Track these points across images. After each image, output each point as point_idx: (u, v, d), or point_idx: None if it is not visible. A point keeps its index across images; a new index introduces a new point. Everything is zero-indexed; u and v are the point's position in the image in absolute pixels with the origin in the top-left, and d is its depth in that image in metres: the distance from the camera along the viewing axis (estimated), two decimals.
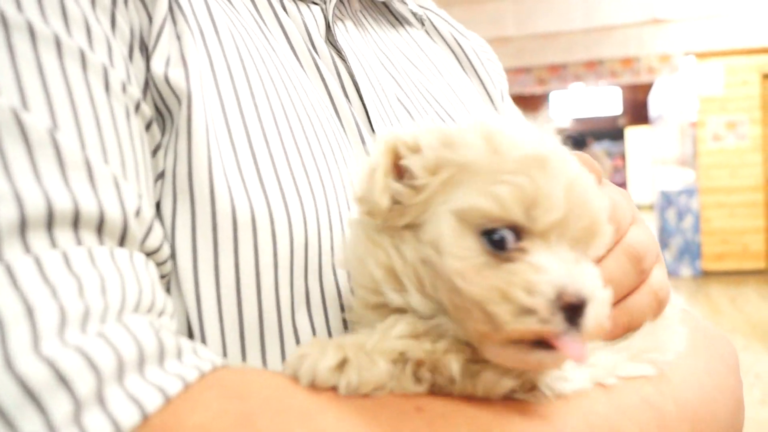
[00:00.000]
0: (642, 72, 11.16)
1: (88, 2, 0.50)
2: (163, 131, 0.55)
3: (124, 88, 0.50)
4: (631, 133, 19.72)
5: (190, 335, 0.53)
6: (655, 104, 13.05)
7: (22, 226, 0.39)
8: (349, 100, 0.69)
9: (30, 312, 0.36)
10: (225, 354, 0.53)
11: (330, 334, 0.58)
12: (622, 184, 20.08)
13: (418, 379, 0.46)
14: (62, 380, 0.35)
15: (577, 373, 0.51)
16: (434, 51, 0.90)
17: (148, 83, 0.54)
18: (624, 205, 0.58)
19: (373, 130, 0.68)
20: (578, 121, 20.74)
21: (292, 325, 0.56)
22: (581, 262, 0.46)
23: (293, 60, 0.67)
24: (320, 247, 0.57)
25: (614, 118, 20.14)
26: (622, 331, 0.56)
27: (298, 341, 0.57)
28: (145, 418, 0.37)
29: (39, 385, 0.34)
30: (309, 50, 0.68)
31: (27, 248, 0.39)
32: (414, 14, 0.91)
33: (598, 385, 0.51)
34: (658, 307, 0.59)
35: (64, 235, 0.41)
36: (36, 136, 0.42)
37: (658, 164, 12.13)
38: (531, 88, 13.00)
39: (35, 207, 0.40)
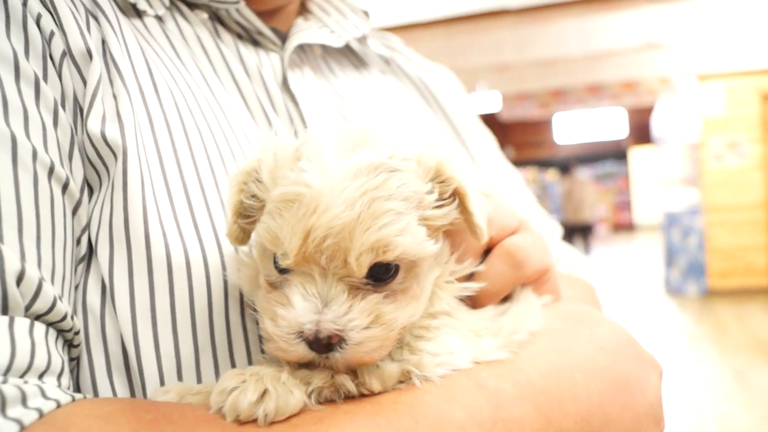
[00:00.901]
0: (643, 94, 11.24)
1: (11, 78, 0.54)
2: (101, 183, 0.59)
3: (35, 156, 0.53)
4: (636, 153, 19.72)
5: (128, 371, 0.56)
6: (658, 125, 13.10)
7: None
8: None
9: None
10: (162, 382, 0.56)
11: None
12: (628, 205, 20.03)
13: (320, 401, 0.50)
14: None
15: (457, 357, 0.53)
16: (399, 92, 0.92)
17: (77, 142, 0.58)
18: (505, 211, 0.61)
19: None
20: (582, 144, 20.74)
21: (228, 355, 0.59)
22: (337, 300, 0.48)
23: (242, 109, 0.70)
24: None
25: (618, 140, 20.15)
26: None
27: (234, 366, 0.59)
28: None
29: None
30: (259, 100, 0.71)
31: None
32: (379, 56, 0.94)
33: (429, 377, 0.52)
34: (515, 266, 0.60)
35: None
36: None
37: (663, 184, 12.14)
38: (534, 113, 13.08)
39: None
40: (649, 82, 10.99)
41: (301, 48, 0.80)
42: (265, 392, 0.47)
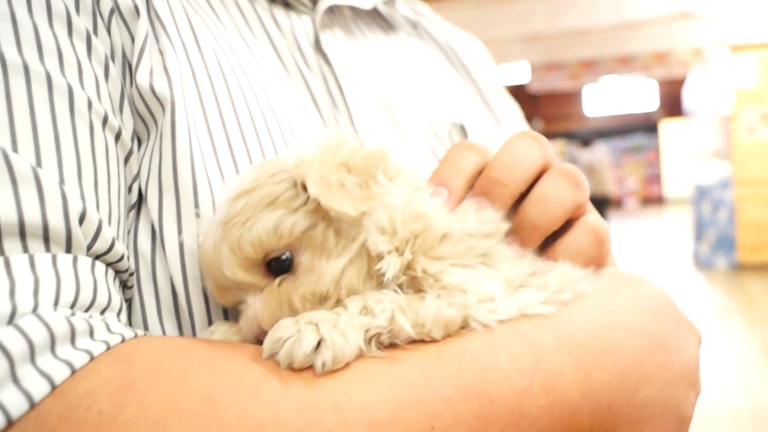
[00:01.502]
0: (674, 65, 11.10)
1: (65, 32, 0.56)
2: (148, 134, 0.61)
3: (90, 106, 0.55)
4: (666, 126, 19.50)
5: (177, 312, 0.59)
6: (689, 98, 12.95)
7: None
8: (334, 102, 0.74)
9: None
10: (210, 323, 0.59)
11: None
12: (657, 178, 19.85)
13: (380, 347, 0.50)
14: None
15: (506, 303, 0.54)
16: (426, 55, 0.94)
17: (126, 95, 0.60)
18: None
19: (356, 130, 0.73)
20: (612, 116, 20.56)
21: None
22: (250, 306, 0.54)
23: (279, 67, 0.73)
24: None
25: (649, 112, 19.95)
26: (532, 231, 0.59)
27: None
28: (54, 388, 0.44)
29: None
30: (295, 58, 0.74)
31: None
32: (407, 19, 0.95)
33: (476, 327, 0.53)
34: (599, 245, 0.62)
35: (11, 244, 0.47)
36: None
37: (694, 157, 12.03)
38: (563, 84, 12.97)
39: None
40: (680, 53, 10.85)
41: (331, 10, 0.81)
42: (321, 341, 0.48)
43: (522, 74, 11.46)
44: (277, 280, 0.53)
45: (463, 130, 0.84)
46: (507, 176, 0.58)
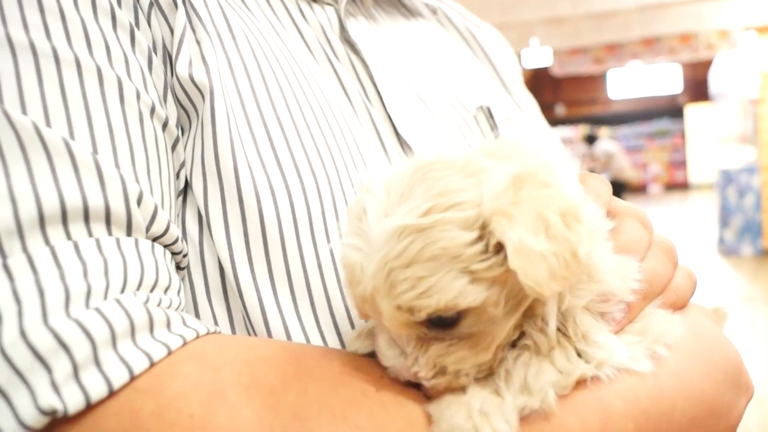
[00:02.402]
0: (701, 48, 10.96)
1: (110, 25, 0.59)
2: (190, 123, 0.64)
3: (138, 97, 0.58)
4: (691, 110, 19.31)
5: (225, 294, 0.62)
6: (715, 81, 12.79)
7: (41, 222, 0.48)
8: (363, 88, 0.76)
9: (41, 293, 0.45)
10: (260, 299, 0.60)
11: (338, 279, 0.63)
12: (682, 163, 19.70)
13: None
14: (63, 346, 0.44)
15: (625, 357, 0.56)
16: (447, 40, 0.96)
17: (169, 85, 0.63)
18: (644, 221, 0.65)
19: (388, 115, 0.75)
20: (637, 99, 20.40)
21: (320, 280, 0.63)
22: (407, 348, 0.51)
23: (308, 56, 0.75)
24: (335, 213, 0.64)
25: (674, 96, 19.77)
26: (671, 307, 0.63)
27: (326, 293, 0.63)
28: (133, 377, 0.45)
29: (46, 350, 0.43)
30: (323, 47, 0.76)
31: (46, 241, 0.48)
32: (426, 5, 0.97)
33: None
34: (693, 285, 0.67)
35: (76, 228, 0.49)
36: (53, 146, 0.50)
37: (719, 142, 11.92)
38: (588, 68, 12.85)
39: (51, 205, 0.48)
40: (707, 36, 10.70)
41: (353, 0, 0.84)
42: None
43: (545, 58, 11.36)
44: (448, 339, 0.51)
45: (489, 113, 0.85)
46: (649, 291, 0.59)
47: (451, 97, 0.85)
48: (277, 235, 0.61)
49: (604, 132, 18.64)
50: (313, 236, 0.63)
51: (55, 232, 0.49)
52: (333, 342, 0.62)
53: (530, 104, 1.05)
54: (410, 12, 0.95)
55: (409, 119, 0.76)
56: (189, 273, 0.62)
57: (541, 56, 11.03)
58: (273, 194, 0.62)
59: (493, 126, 0.85)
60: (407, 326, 0.49)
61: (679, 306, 0.64)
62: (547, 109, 20.03)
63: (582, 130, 17.87)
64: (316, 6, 0.79)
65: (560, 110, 20.19)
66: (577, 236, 0.47)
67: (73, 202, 0.50)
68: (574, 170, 0.61)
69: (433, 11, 0.99)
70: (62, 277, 0.47)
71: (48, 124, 0.51)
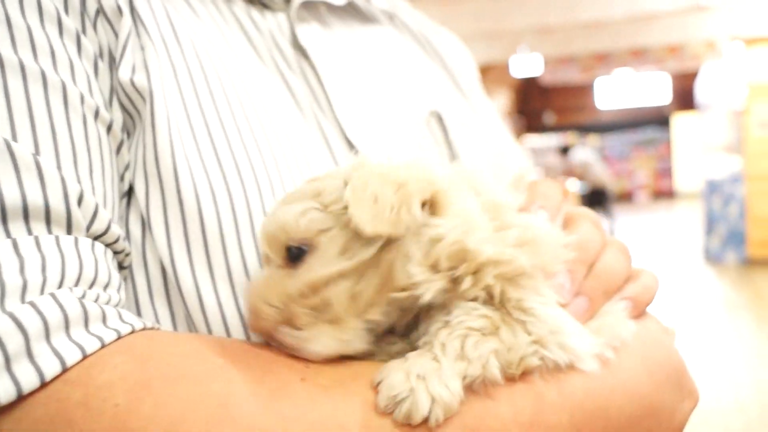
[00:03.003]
0: (687, 59, 11.05)
1: (56, 32, 0.60)
2: (134, 127, 0.65)
3: (82, 100, 0.59)
4: (678, 120, 19.40)
5: (167, 293, 0.63)
6: (702, 91, 12.88)
7: None
8: (314, 94, 0.76)
9: None
10: (200, 298, 0.61)
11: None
12: (669, 172, 19.77)
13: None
14: None
15: (578, 340, 0.57)
16: (402, 45, 0.96)
17: (114, 90, 0.64)
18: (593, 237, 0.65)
19: (336, 118, 0.75)
20: (624, 109, 20.48)
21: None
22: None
23: (257, 63, 0.75)
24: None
25: (661, 106, 19.85)
26: (644, 305, 0.66)
27: None
28: (65, 369, 0.46)
29: None
30: (272, 55, 0.77)
31: None
32: (383, 11, 0.97)
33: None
34: (658, 284, 0.68)
35: (16, 226, 0.50)
36: None
37: (706, 151, 11.99)
38: (576, 76, 12.93)
39: None
40: (693, 46, 10.79)
41: (306, 6, 0.83)
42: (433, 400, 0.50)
43: (535, 67, 11.42)
44: (286, 268, 0.56)
45: (439, 118, 0.86)
46: (584, 259, 0.62)
47: (403, 102, 0.85)
48: (217, 234, 0.62)
49: (592, 140, 18.72)
50: (255, 235, 0.64)
51: None
52: None
53: (488, 108, 1.05)
54: (366, 18, 0.95)
55: (359, 124, 0.76)
56: (132, 272, 0.63)
57: (531, 64, 11.08)
58: (213, 194, 0.63)
59: (444, 130, 0.85)
60: (272, 250, 0.56)
61: (648, 304, 0.67)
62: (536, 117, 20.06)
63: (570, 137, 17.94)
64: (267, 12, 0.80)
65: (549, 118, 20.24)
66: (413, 198, 0.53)
67: (13, 201, 0.51)
68: (519, 173, 0.66)
69: (390, 17, 0.99)
70: None
71: None
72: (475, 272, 0.54)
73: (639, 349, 0.63)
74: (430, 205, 0.55)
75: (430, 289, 0.54)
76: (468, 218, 0.55)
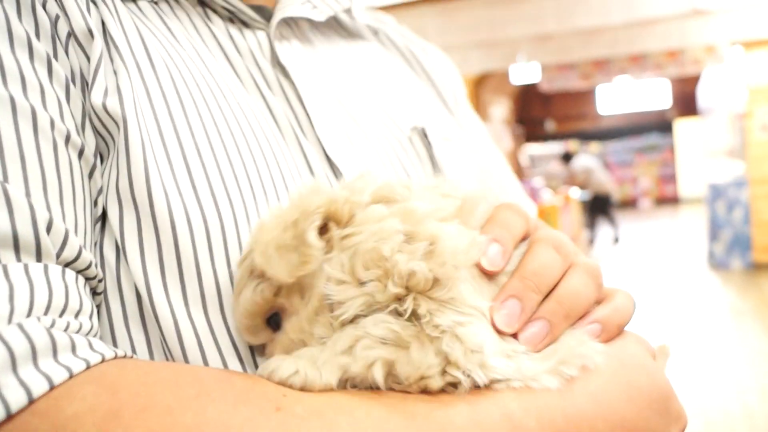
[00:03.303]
0: (687, 64, 11.04)
1: (26, 57, 0.60)
2: (108, 151, 0.64)
3: (53, 126, 0.59)
4: (681, 125, 19.40)
5: (143, 319, 0.63)
6: (703, 96, 12.86)
7: None
8: (294, 112, 0.76)
9: None
10: (175, 323, 0.61)
11: None
12: (672, 177, 19.77)
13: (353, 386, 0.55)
14: None
15: (501, 361, 0.55)
16: (387, 60, 0.96)
17: (87, 114, 0.64)
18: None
19: (317, 137, 0.75)
20: (626, 115, 20.50)
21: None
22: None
23: (236, 83, 0.75)
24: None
25: (663, 111, 19.86)
26: (616, 329, 0.63)
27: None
28: (31, 401, 0.46)
29: None
30: (251, 74, 0.76)
31: None
32: (368, 27, 0.98)
33: (468, 393, 0.54)
34: (634, 306, 0.66)
35: None
36: None
37: (708, 156, 11.97)
38: (576, 83, 12.93)
39: None
40: (694, 51, 10.78)
41: (287, 23, 0.83)
42: (296, 371, 0.54)
43: (533, 74, 11.41)
44: (275, 335, 0.60)
45: (423, 134, 0.86)
46: (537, 285, 0.60)
47: (386, 118, 0.85)
48: (192, 260, 0.62)
49: (593, 147, 18.72)
50: (228, 261, 0.63)
51: None
52: (250, 363, 0.63)
53: (474, 124, 1.06)
54: (350, 33, 0.95)
55: (340, 142, 0.76)
56: (106, 298, 0.63)
57: (529, 72, 11.07)
58: (189, 221, 0.62)
59: (428, 146, 0.85)
60: (255, 335, 0.61)
61: (622, 327, 0.65)
62: (537, 125, 20.11)
63: (572, 145, 17.94)
64: (246, 31, 0.79)
65: (550, 126, 20.26)
66: (305, 232, 0.54)
67: None
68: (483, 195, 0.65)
69: (375, 32, 0.99)
70: None
71: None
72: (386, 281, 0.54)
73: (619, 373, 0.61)
74: (340, 222, 0.56)
75: (351, 306, 0.55)
76: (379, 226, 0.55)
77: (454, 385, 0.54)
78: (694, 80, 15.62)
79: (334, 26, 0.93)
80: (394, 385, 0.54)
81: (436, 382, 0.53)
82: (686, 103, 18.71)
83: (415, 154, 0.84)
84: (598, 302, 0.64)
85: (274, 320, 0.60)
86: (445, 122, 0.93)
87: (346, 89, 0.84)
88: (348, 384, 0.54)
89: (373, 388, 0.54)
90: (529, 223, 0.64)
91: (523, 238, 0.64)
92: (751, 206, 9.37)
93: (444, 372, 0.53)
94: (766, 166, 9.31)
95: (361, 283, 0.54)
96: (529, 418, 0.54)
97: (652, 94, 19.74)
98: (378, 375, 0.53)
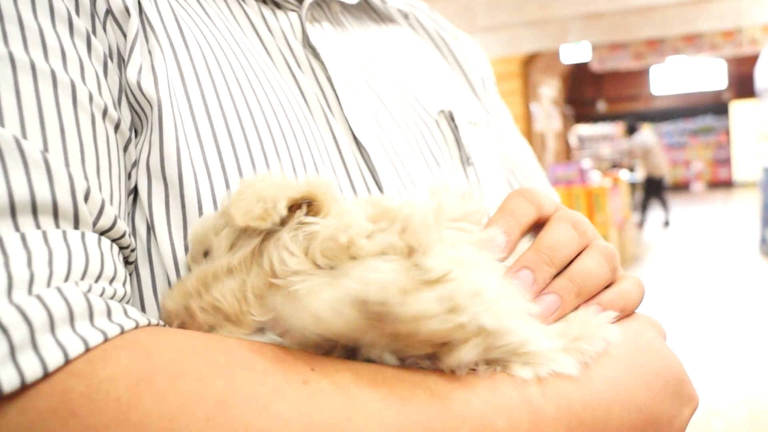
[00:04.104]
0: (744, 44, 10.76)
1: (67, 33, 0.62)
2: (142, 126, 0.66)
3: (91, 99, 0.61)
4: (736, 107, 18.95)
5: (170, 287, 0.64)
6: (761, 77, 12.53)
7: None
8: (323, 93, 0.78)
9: None
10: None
11: None
12: (726, 161, 19.36)
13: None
14: (2, 329, 0.45)
15: (546, 341, 0.56)
16: (417, 44, 0.98)
17: (123, 90, 0.66)
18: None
19: (345, 118, 0.77)
20: (680, 96, 20.09)
21: None
22: None
23: (268, 63, 0.77)
24: None
25: (718, 92, 19.42)
26: (620, 313, 0.63)
27: None
28: (68, 361, 0.47)
29: None
30: (283, 54, 0.78)
31: None
32: (399, 11, 1.00)
33: (487, 374, 0.54)
34: (641, 293, 0.67)
35: (24, 220, 0.52)
36: (5, 144, 0.53)
37: (764, 139, 11.68)
38: (628, 64, 12.70)
39: (1, 199, 0.51)
40: (750, 31, 10.49)
41: (319, 5, 0.86)
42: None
43: (584, 53, 11.23)
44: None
45: (450, 117, 0.87)
46: (551, 258, 0.61)
47: (414, 101, 0.87)
48: None
49: (646, 128, 18.43)
50: None
51: (3, 224, 0.51)
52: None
53: (501, 111, 1.08)
54: (381, 17, 0.97)
55: (367, 124, 0.78)
56: (137, 268, 0.65)
57: (579, 52, 10.90)
58: (214, 201, 0.65)
59: (454, 129, 0.87)
60: (195, 261, 0.61)
61: (627, 312, 0.65)
62: (588, 105, 19.84)
63: (623, 127, 17.67)
64: (279, 12, 0.81)
65: (601, 106, 19.97)
66: (278, 200, 0.56)
67: (22, 196, 0.52)
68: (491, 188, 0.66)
69: (405, 16, 1.01)
70: (6, 264, 0.49)
71: (1, 124, 0.54)
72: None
73: (635, 358, 0.63)
74: (310, 208, 0.57)
75: (305, 281, 0.54)
76: (345, 218, 0.56)
77: (463, 341, 0.52)
78: (751, 61, 15.23)
79: (366, 9, 0.95)
80: (413, 357, 0.54)
81: (439, 324, 0.50)
82: (743, 84, 18.27)
83: (442, 137, 0.86)
84: (610, 286, 0.65)
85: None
86: (472, 108, 0.95)
87: (374, 72, 0.86)
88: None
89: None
90: (543, 208, 0.65)
91: (539, 223, 0.64)
92: None
93: (447, 318, 0.50)
94: None
95: (318, 267, 0.54)
96: (548, 403, 0.55)
97: (708, 75, 19.30)
98: (374, 295, 0.50)
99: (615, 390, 0.59)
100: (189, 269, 0.62)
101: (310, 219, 0.57)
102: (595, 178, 9.69)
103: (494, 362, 0.55)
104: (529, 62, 12.73)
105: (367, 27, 0.93)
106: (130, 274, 0.65)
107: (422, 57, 0.96)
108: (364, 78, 0.84)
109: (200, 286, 0.58)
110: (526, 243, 0.63)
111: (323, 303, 0.50)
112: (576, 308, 0.62)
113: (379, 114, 0.82)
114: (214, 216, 0.61)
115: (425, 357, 0.54)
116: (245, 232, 0.58)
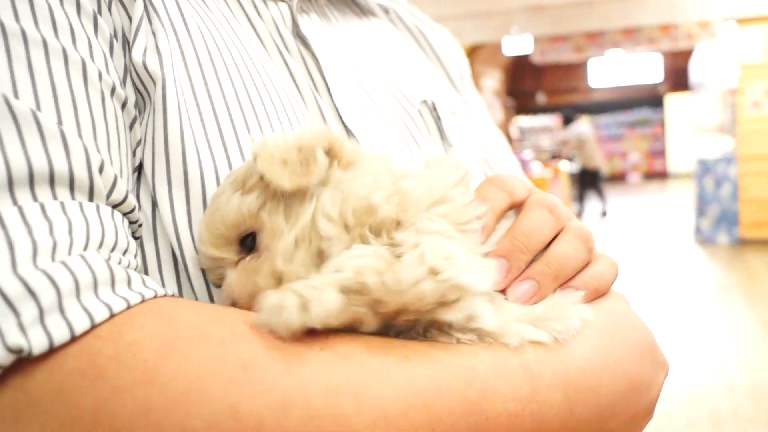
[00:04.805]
0: (681, 38, 11.01)
1: (75, 12, 0.63)
2: (144, 106, 0.68)
3: (100, 77, 0.62)
4: (672, 100, 19.41)
5: (175, 262, 0.66)
6: (695, 71, 12.85)
7: (10, 184, 0.51)
8: (313, 80, 0.80)
9: (11, 245, 0.49)
10: (204, 277, 0.66)
11: None
12: (662, 153, 19.80)
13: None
14: (31, 293, 0.47)
15: (492, 320, 0.58)
16: (397, 38, 1.02)
17: (128, 70, 0.67)
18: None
19: (335, 105, 0.79)
20: (617, 88, 20.47)
21: None
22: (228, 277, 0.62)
23: (260, 49, 0.79)
24: None
25: (654, 85, 19.86)
26: (594, 294, 0.66)
27: None
28: (94, 325, 0.49)
29: (14, 296, 0.47)
30: (275, 41, 0.81)
31: (14, 201, 0.51)
32: (379, 5, 1.03)
33: (486, 344, 0.58)
34: (615, 273, 0.70)
35: (42, 191, 0.53)
36: (22, 116, 0.54)
37: (698, 132, 11.99)
38: (568, 56, 12.88)
39: (19, 170, 0.52)
40: (687, 26, 10.74)
41: None
42: (306, 302, 0.51)
43: (525, 46, 11.35)
44: (247, 258, 0.61)
45: (433, 107, 0.91)
46: (527, 245, 0.63)
47: (397, 92, 0.90)
48: None
49: (583, 120, 18.73)
50: None
51: (23, 194, 0.52)
52: None
53: (477, 102, 1.12)
54: (362, 11, 1.00)
55: (354, 110, 0.81)
56: (141, 243, 0.67)
57: (521, 44, 11.01)
58: (217, 178, 0.66)
59: (437, 119, 0.90)
60: (220, 249, 0.61)
61: (601, 292, 0.69)
62: (528, 97, 20.07)
63: (562, 118, 17.94)
64: (270, 2, 0.84)
65: (541, 98, 20.23)
66: (315, 149, 0.58)
67: (40, 167, 0.53)
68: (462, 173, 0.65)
69: (386, 11, 1.04)
70: (30, 233, 0.50)
71: (17, 97, 0.55)
72: (378, 231, 0.57)
73: (614, 329, 0.67)
74: (340, 162, 0.60)
75: (335, 246, 0.57)
76: (375, 177, 0.59)
77: (448, 305, 0.55)
78: (686, 55, 15.60)
79: (348, 3, 0.98)
80: (390, 294, 0.54)
81: (429, 286, 0.53)
82: (678, 78, 18.71)
83: (425, 126, 0.89)
84: (586, 267, 0.68)
85: (247, 241, 0.61)
86: (451, 98, 0.99)
87: (359, 63, 0.89)
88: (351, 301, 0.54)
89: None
90: (515, 194, 0.67)
91: (515, 206, 0.67)
92: (739, 182, 9.42)
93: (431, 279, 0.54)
94: (756, 142, 9.34)
95: (347, 229, 0.57)
96: (545, 369, 0.59)
97: (644, 69, 19.72)
98: (371, 278, 0.53)
99: (603, 358, 0.64)
100: (205, 257, 0.62)
101: (346, 175, 0.60)
102: (536, 169, 9.82)
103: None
104: (471, 53, 12.82)
105: (350, 20, 0.96)
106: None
107: (403, 50, 1.00)
108: (350, 69, 0.86)
109: (273, 279, 0.58)
110: (507, 222, 0.65)
111: (316, 316, 0.51)
112: (554, 291, 0.64)
113: (365, 103, 0.84)
114: (233, 204, 0.60)
115: (422, 333, 0.58)
116: (294, 200, 0.59)
